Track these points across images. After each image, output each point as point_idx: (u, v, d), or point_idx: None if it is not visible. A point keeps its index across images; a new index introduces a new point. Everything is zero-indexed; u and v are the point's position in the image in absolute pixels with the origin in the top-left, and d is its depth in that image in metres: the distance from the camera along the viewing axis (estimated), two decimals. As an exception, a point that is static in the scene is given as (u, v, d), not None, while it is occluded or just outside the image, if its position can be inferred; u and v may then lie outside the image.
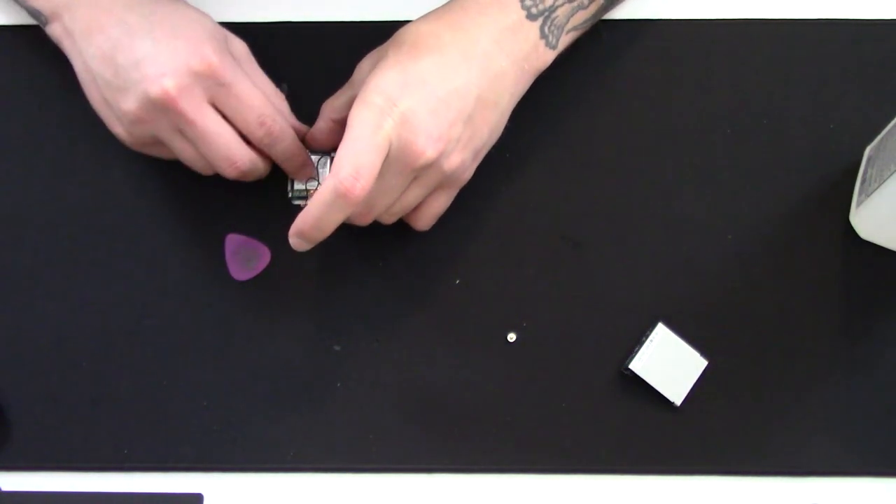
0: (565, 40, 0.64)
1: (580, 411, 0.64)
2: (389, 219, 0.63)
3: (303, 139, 0.65)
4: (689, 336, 0.64)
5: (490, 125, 0.61)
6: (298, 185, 0.67)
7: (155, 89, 0.58)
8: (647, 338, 0.64)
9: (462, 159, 0.61)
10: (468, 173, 0.63)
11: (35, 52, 0.70)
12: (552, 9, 0.62)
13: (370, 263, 0.66)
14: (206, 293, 0.66)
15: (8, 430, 0.64)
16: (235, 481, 0.64)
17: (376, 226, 0.67)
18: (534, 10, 0.62)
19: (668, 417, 0.64)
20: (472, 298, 0.66)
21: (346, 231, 0.67)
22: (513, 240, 0.67)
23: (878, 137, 0.66)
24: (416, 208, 0.63)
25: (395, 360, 0.65)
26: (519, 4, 0.62)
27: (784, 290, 0.66)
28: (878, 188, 0.62)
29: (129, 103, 0.59)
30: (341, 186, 0.56)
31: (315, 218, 0.58)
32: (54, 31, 0.64)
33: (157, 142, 0.62)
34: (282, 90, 0.68)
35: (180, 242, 0.67)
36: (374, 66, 0.61)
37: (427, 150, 0.58)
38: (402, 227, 0.67)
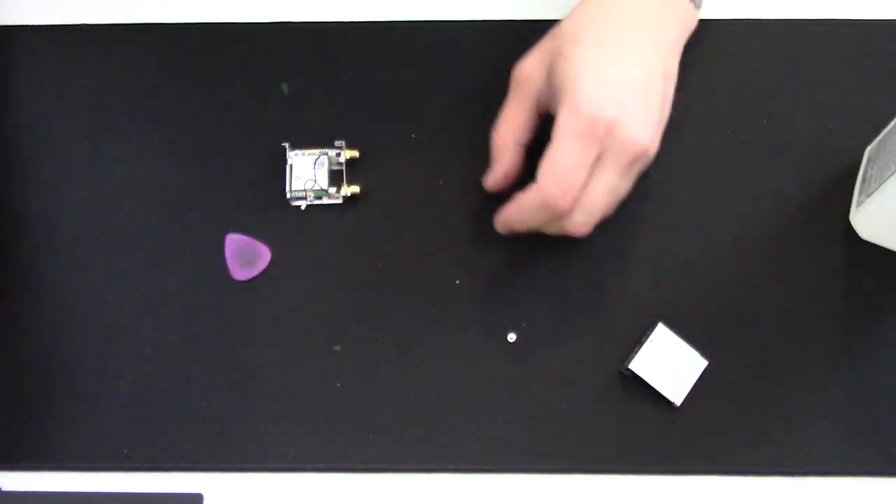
0: None
1: (580, 411, 0.64)
2: (606, 215, 0.62)
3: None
4: (689, 336, 0.64)
5: (670, 99, 0.62)
6: (297, 185, 0.67)
7: None
8: (647, 338, 0.64)
9: (659, 141, 0.61)
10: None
11: (38, 52, 0.70)
12: None
13: (370, 263, 0.66)
14: (206, 293, 0.66)
15: (8, 430, 0.64)
16: (235, 481, 0.64)
17: (374, 224, 0.67)
18: None
19: (668, 417, 0.64)
20: (472, 298, 0.66)
21: (346, 232, 0.67)
22: (513, 240, 0.67)
23: (878, 137, 0.66)
24: None
25: (395, 360, 0.65)
26: None
27: (784, 290, 0.66)
28: (878, 188, 0.62)
29: None
30: (549, 202, 0.57)
31: (520, 219, 0.60)
32: None
33: None
34: (282, 90, 0.68)
35: (180, 242, 0.67)
36: (546, 68, 0.60)
37: (644, 141, 0.58)
38: (400, 227, 0.67)
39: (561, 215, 0.58)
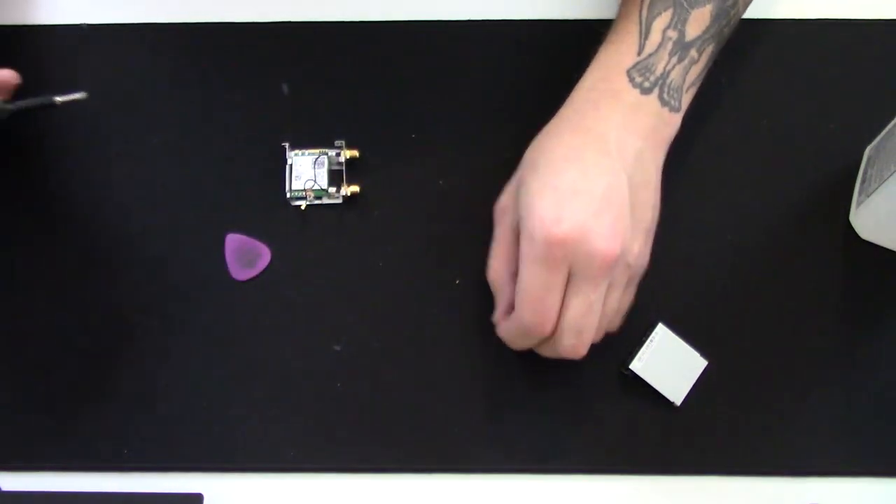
0: (687, 98, 0.63)
1: (580, 411, 0.64)
2: (598, 336, 0.61)
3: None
4: (689, 336, 0.64)
5: (650, 204, 0.60)
6: (297, 185, 0.67)
7: None
8: (647, 338, 0.64)
9: (640, 246, 0.60)
10: (647, 258, 0.62)
11: (36, 52, 0.70)
12: (664, 76, 0.61)
13: (370, 263, 0.66)
14: (206, 293, 0.66)
15: (8, 430, 0.64)
16: (235, 481, 0.64)
17: (374, 224, 0.67)
18: (646, 85, 0.61)
19: (668, 417, 0.64)
20: (472, 298, 0.66)
21: (346, 232, 0.67)
22: (513, 240, 0.67)
23: (878, 137, 0.66)
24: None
25: (394, 360, 0.65)
26: (629, 86, 0.60)
27: (784, 290, 0.66)
28: (878, 188, 0.62)
29: None
30: (531, 331, 0.58)
31: (511, 340, 0.61)
32: None
33: None
34: (282, 90, 0.68)
35: (180, 242, 0.67)
36: (514, 199, 0.60)
37: (608, 252, 0.57)
38: (400, 227, 0.67)
39: (545, 335, 0.59)
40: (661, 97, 0.61)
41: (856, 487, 0.63)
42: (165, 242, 0.67)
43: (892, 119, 0.64)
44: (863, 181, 0.66)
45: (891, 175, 0.60)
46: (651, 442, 0.63)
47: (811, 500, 0.63)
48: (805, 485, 0.63)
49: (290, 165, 0.67)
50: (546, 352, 0.62)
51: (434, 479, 0.64)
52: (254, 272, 0.67)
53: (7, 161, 0.69)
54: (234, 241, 0.67)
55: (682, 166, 0.68)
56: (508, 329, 0.61)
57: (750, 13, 0.70)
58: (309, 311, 0.66)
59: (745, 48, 0.70)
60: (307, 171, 0.67)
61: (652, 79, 0.61)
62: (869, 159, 0.66)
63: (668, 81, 0.61)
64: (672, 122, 0.62)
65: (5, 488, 0.63)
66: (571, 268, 0.57)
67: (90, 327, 0.66)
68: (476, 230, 0.66)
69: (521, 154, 0.67)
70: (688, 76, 0.62)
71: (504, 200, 0.62)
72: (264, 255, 0.67)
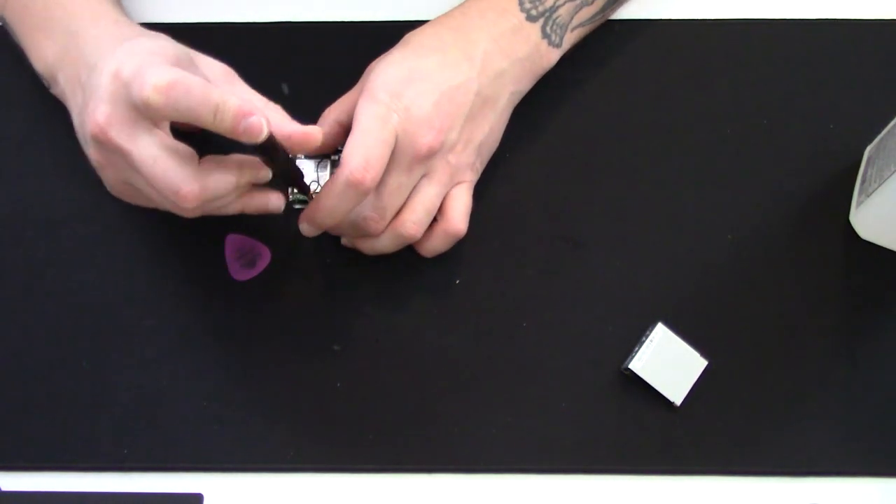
0: (571, 38, 0.66)
1: (580, 411, 0.64)
2: (414, 228, 0.62)
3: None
4: (689, 336, 0.64)
5: (490, 122, 0.63)
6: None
7: (90, 125, 0.54)
8: (647, 338, 0.64)
9: (467, 154, 0.62)
10: (476, 168, 0.64)
11: (35, 52, 0.70)
12: (553, 9, 0.63)
13: (370, 263, 0.66)
14: (206, 293, 0.66)
15: (8, 430, 0.64)
16: (235, 481, 0.64)
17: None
18: (533, 12, 0.63)
19: (668, 417, 0.64)
20: (472, 298, 0.66)
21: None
22: (513, 240, 0.67)
23: (878, 137, 0.66)
24: (443, 210, 0.63)
25: (395, 360, 0.65)
26: (518, 7, 0.63)
27: (784, 290, 0.66)
28: (878, 188, 0.62)
29: (88, 149, 0.57)
30: (352, 177, 0.58)
31: (327, 207, 0.59)
32: (56, 94, 0.65)
33: (135, 189, 0.58)
34: (282, 90, 0.68)
35: (180, 242, 0.67)
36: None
37: (429, 139, 0.60)
38: (402, 227, 0.67)
39: (365, 191, 0.58)
40: (543, 28, 0.64)
41: (856, 487, 0.63)
42: (165, 242, 0.67)
43: (892, 119, 0.64)
44: (863, 181, 0.66)
45: (891, 175, 0.60)
46: (651, 442, 0.63)
47: (811, 500, 0.63)
48: (805, 485, 0.63)
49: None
50: (349, 227, 0.62)
51: (434, 479, 0.64)
52: (254, 272, 0.67)
53: (6, 158, 0.69)
54: (234, 242, 0.67)
55: (682, 166, 0.68)
56: (332, 184, 0.59)
57: (750, 13, 0.71)
58: (309, 311, 0.66)
59: (744, 48, 0.70)
60: (310, 173, 0.67)
61: (541, 8, 0.63)
62: (869, 159, 0.66)
63: (554, 16, 0.64)
64: (548, 56, 0.65)
65: (5, 488, 0.63)
66: (395, 147, 0.59)
67: (90, 327, 0.66)
68: (476, 230, 0.66)
69: (520, 154, 0.68)
70: (577, 16, 0.65)
71: (374, 64, 0.64)
72: (264, 256, 0.67)
